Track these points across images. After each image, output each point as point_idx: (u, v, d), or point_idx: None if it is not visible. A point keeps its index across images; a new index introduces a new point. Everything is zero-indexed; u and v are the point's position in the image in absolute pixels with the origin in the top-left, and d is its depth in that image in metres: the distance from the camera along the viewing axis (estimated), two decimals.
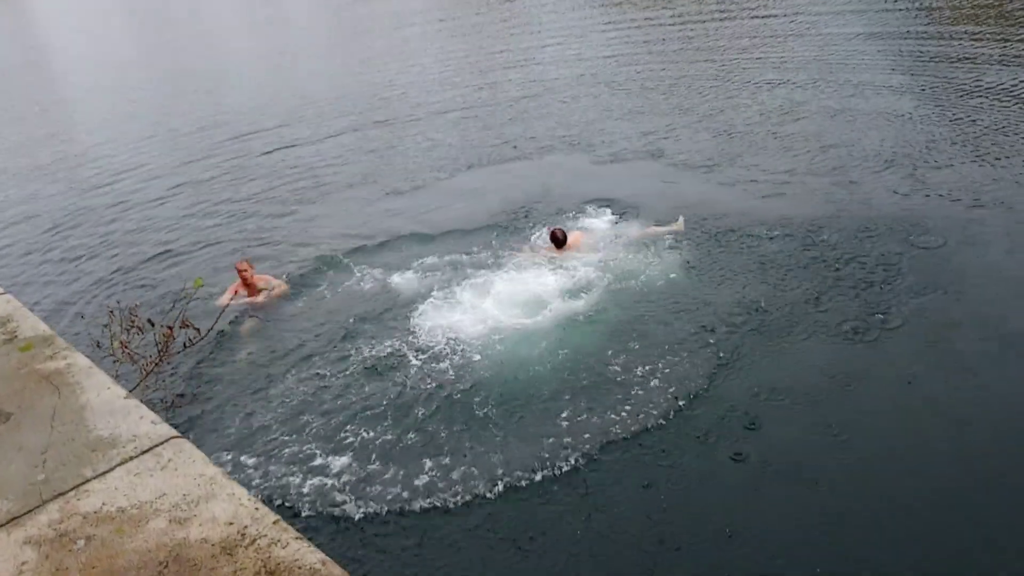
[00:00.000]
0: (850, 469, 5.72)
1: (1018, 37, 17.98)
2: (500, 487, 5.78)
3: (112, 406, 3.32)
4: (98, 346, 3.98)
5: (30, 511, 2.74)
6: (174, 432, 3.12)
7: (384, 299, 9.14)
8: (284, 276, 10.17)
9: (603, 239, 9.92)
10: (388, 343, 7.91)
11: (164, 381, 4.92)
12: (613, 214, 10.74)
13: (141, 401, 3.47)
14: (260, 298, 9.58)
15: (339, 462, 5.97)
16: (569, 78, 20.26)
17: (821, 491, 5.56)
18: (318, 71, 26.97)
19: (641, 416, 6.39)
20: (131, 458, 2.97)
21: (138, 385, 3.89)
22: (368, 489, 5.82)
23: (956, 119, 12.84)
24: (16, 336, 3.97)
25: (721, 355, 7.12)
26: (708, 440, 6.11)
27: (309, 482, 5.78)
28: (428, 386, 7.09)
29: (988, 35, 18.65)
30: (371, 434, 6.43)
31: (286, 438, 6.27)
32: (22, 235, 13.42)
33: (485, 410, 6.68)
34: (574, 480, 5.85)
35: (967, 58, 16.73)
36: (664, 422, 6.31)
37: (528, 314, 8.12)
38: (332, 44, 34.51)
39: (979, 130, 12.15)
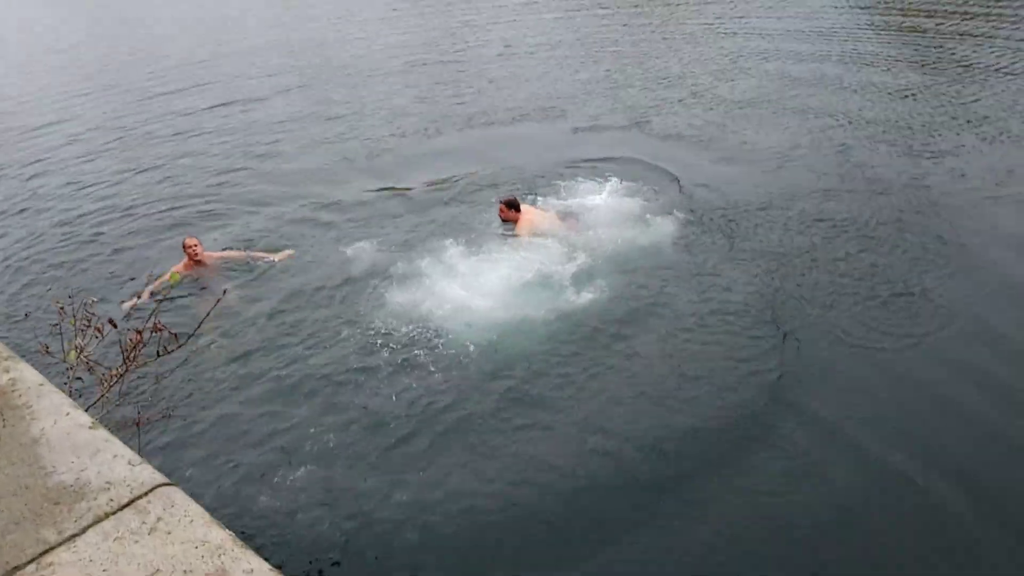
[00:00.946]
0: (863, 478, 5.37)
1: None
2: (490, 497, 5.25)
3: (75, 439, 2.63)
4: (47, 351, 3.24)
5: None
6: (160, 477, 2.46)
7: (346, 277, 8.39)
8: (242, 248, 9.32)
9: (579, 214, 9.33)
10: (357, 330, 7.23)
11: (121, 391, 4.14)
12: (590, 186, 10.17)
13: (105, 427, 2.79)
14: (212, 274, 8.75)
15: (348, 491, 5.28)
16: (543, 43, 19.49)
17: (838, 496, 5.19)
18: (269, 26, 25.43)
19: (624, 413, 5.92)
20: (107, 515, 2.31)
21: (96, 401, 3.18)
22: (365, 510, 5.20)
23: (957, 95, 12.54)
24: None
25: (716, 346, 6.64)
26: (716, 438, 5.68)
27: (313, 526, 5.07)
28: (404, 382, 6.48)
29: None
30: (363, 443, 5.79)
31: (275, 457, 5.57)
32: None
33: (468, 409, 6.11)
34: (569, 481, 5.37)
35: (967, 34, 16.47)
36: (662, 417, 5.85)
37: (501, 298, 7.53)
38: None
39: (984, 107, 11.82)
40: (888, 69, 14.45)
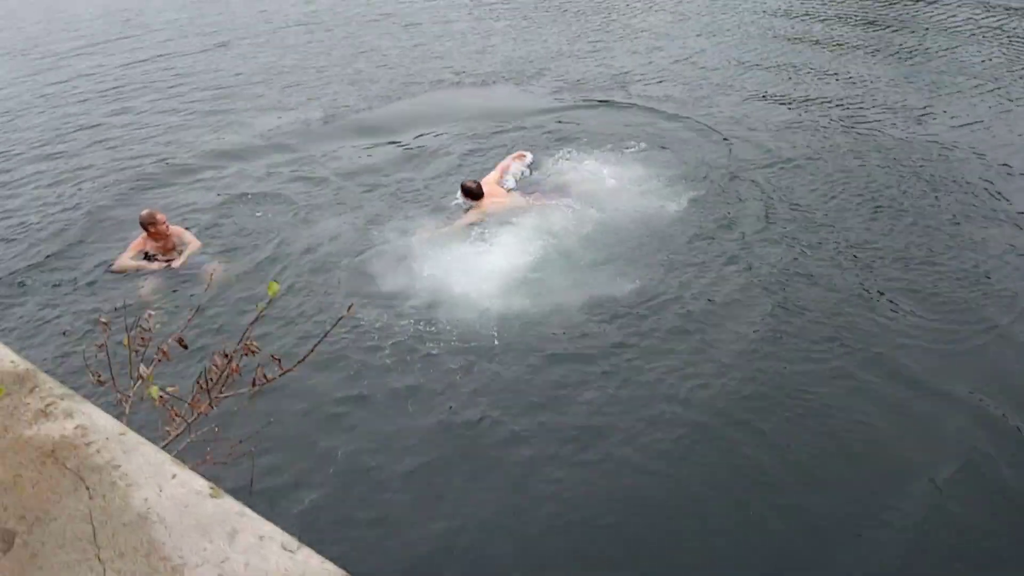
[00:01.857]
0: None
1: None
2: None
3: (197, 513, 2.00)
4: (99, 381, 2.53)
5: None
6: (334, 569, 1.87)
7: (319, 263, 7.76)
8: (192, 229, 8.44)
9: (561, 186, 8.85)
10: (353, 329, 6.58)
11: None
12: (567, 156, 9.67)
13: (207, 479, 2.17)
14: (177, 262, 7.83)
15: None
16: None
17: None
18: None
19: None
20: None
21: (171, 441, 2.50)
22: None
23: (960, 59, 12.34)
24: None
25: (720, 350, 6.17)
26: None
27: None
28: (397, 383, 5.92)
29: None
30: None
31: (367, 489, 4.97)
32: None
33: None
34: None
35: None
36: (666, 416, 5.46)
37: (499, 283, 7.04)
38: None
39: (979, 70, 11.69)
40: (888, 28, 14.27)
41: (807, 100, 11.05)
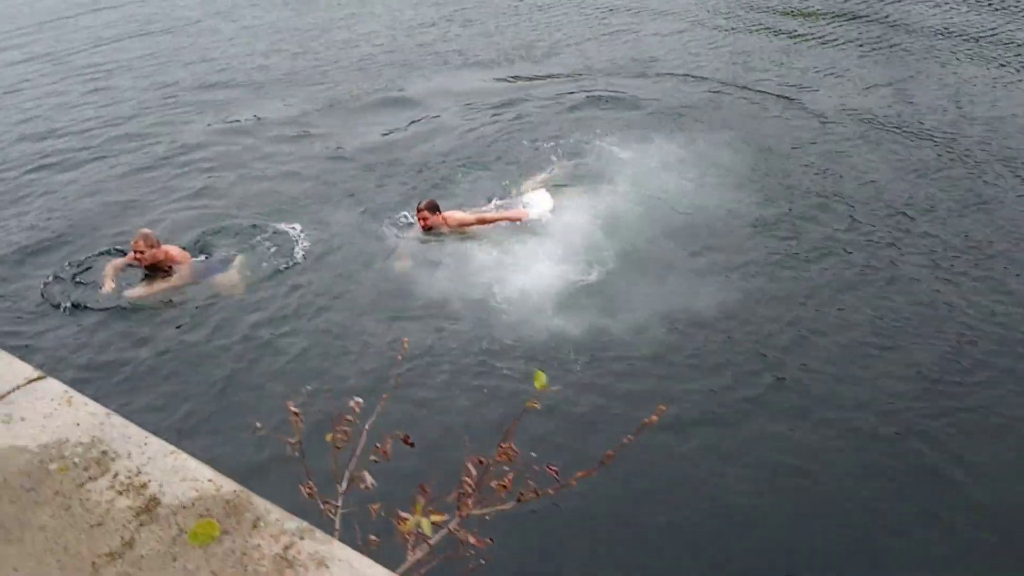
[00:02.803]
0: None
1: None
2: None
3: None
4: (310, 492, 1.89)
5: None
6: None
7: (333, 268, 7.19)
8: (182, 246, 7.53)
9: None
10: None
11: None
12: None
13: None
14: (174, 280, 7.00)
15: None
16: None
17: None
18: None
19: None
20: None
21: (409, 567, 1.90)
22: None
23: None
24: (158, 502, 1.84)
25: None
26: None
27: None
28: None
29: None
30: None
31: None
32: None
33: None
34: None
35: None
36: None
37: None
38: None
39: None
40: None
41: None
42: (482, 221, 7.49)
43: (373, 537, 2.16)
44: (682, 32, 13.34)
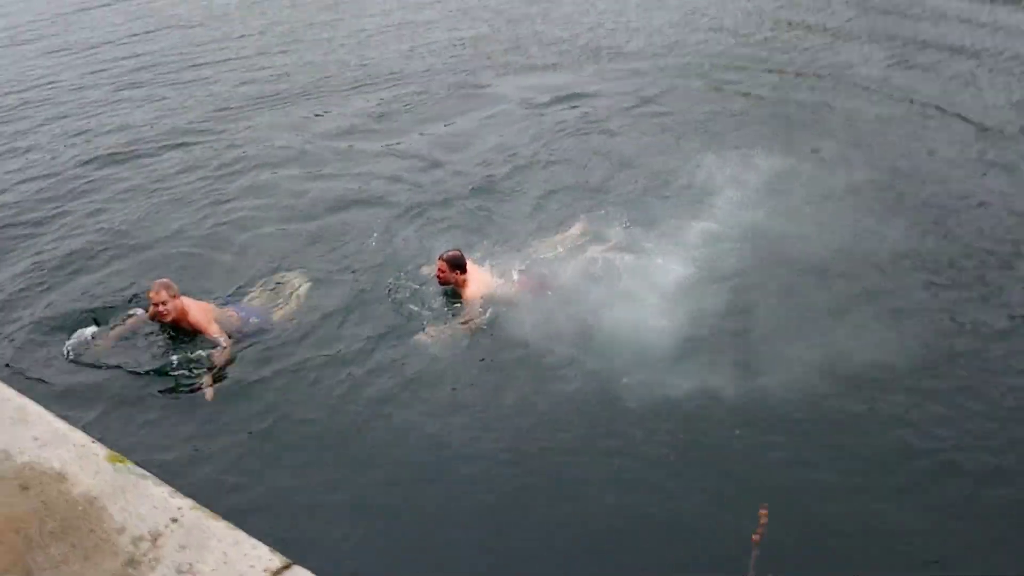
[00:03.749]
0: None
1: None
2: None
3: None
4: None
5: None
6: None
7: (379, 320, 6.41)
8: (212, 299, 6.54)
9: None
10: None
11: None
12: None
13: None
14: (221, 355, 5.93)
15: None
16: None
17: None
18: None
19: None
20: None
21: None
22: None
23: None
24: None
25: None
26: None
27: None
28: None
29: None
30: None
31: None
32: None
33: None
34: None
35: None
36: None
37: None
38: None
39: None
40: None
41: None
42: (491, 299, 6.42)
43: None
44: (775, 26, 12.49)
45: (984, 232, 6.84)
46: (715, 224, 7.03)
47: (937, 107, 9.17)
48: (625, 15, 14.15)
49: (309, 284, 6.80)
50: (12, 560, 2.36)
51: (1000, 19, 12.28)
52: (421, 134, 9.90)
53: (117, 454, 2.85)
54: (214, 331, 6.00)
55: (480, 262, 6.70)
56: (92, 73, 13.21)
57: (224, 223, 7.95)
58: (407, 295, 6.56)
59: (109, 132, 10.55)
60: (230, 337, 6.06)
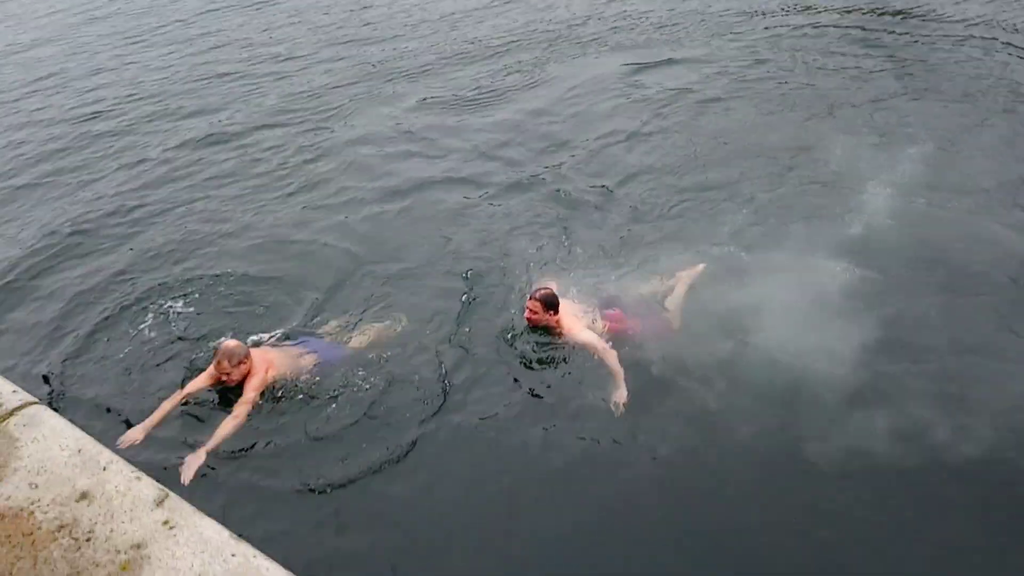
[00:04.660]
0: None
1: None
2: None
3: None
4: None
5: None
6: None
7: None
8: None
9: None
10: None
11: None
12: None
13: None
14: (228, 425, 5.35)
15: None
16: None
17: None
18: None
19: None
20: None
21: None
22: None
23: None
24: None
25: None
26: None
27: None
28: None
29: None
30: None
31: None
32: None
33: None
34: None
35: None
36: None
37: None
38: None
39: None
40: None
41: None
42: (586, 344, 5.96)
43: None
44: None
45: None
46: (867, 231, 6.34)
47: None
48: None
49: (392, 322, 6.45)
50: None
51: None
52: (525, 113, 9.86)
53: None
54: (250, 397, 5.49)
55: (563, 293, 6.17)
56: (203, 64, 13.81)
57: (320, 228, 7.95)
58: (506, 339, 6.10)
59: (215, 113, 11.09)
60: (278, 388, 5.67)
